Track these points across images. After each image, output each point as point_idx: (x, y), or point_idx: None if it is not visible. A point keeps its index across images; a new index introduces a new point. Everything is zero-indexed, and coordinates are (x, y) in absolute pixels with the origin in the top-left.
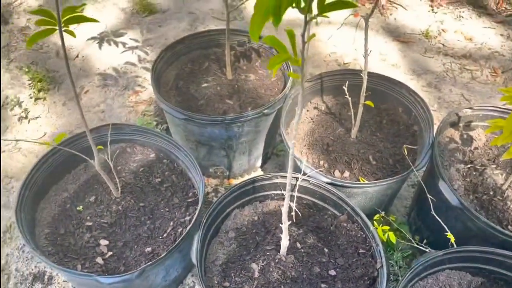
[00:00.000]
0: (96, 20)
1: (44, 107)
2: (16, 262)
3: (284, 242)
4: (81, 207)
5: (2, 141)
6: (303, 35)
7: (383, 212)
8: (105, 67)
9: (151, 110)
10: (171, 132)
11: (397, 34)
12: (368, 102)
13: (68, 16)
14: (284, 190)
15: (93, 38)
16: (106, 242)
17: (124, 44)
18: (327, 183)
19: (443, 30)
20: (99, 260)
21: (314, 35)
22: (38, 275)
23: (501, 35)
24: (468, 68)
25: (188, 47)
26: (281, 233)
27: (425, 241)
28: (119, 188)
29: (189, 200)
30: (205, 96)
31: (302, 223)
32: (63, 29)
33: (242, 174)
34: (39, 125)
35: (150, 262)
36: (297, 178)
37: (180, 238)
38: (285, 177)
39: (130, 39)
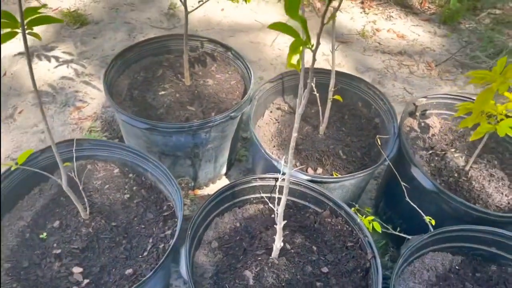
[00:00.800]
0: (61, 20)
1: None
2: None
3: (278, 244)
4: (44, 234)
5: None
6: (323, 17)
7: (357, 205)
8: (38, 84)
9: (98, 126)
10: None
11: (336, 35)
12: (337, 97)
13: (31, 17)
14: (264, 192)
15: (20, 53)
16: (80, 269)
17: (57, 58)
18: (308, 180)
19: (377, 30)
20: None
21: (334, 16)
22: None
23: (429, 31)
24: (405, 64)
25: (138, 54)
26: (268, 237)
27: (398, 229)
28: (88, 209)
29: (165, 214)
30: (164, 104)
31: (285, 224)
32: (27, 31)
33: (207, 183)
34: None
35: (136, 285)
36: (276, 179)
37: (166, 254)
38: (264, 179)
39: (63, 52)
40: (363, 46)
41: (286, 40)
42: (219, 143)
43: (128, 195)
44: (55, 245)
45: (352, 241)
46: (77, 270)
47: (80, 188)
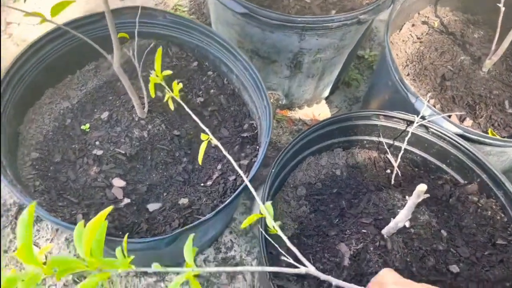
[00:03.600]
0: None
1: None
2: None
3: (400, 222)
4: (87, 125)
5: None
6: None
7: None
8: None
9: (185, 5)
10: None
11: None
12: None
13: None
14: (385, 137)
15: None
16: (122, 182)
17: None
18: (457, 134)
19: None
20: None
21: None
22: (25, 207)
23: None
24: None
25: None
26: (380, 201)
27: None
28: (146, 105)
29: (244, 135)
30: None
31: (403, 187)
32: None
33: (302, 105)
34: (38, 7)
35: (189, 226)
36: (409, 122)
37: (235, 193)
38: (390, 118)
39: None
40: None
41: None
42: (332, 54)
43: (202, 99)
44: (97, 143)
45: (505, 239)
46: (118, 183)
47: (139, 74)
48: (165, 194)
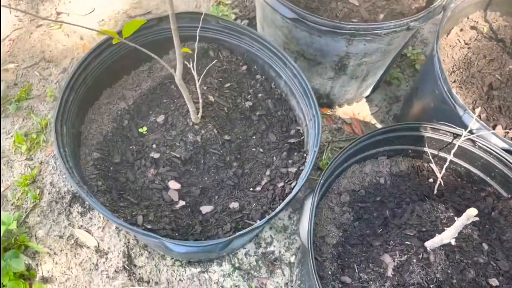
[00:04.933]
0: None
1: None
2: (52, 175)
3: (446, 238)
4: (144, 128)
5: (42, 11)
6: None
7: None
8: None
9: None
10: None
11: None
12: None
13: None
14: (430, 147)
15: None
16: (177, 185)
17: None
18: (503, 149)
19: None
20: (167, 211)
21: None
22: (78, 195)
23: None
24: None
25: None
26: (423, 212)
27: None
28: (201, 110)
29: (291, 140)
30: None
31: (445, 198)
32: None
33: (342, 104)
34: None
35: (241, 232)
36: (456, 135)
37: (284, 202)
38: (437, 130)
39: None
40: None
41: None
42: (378, 58)
43: (250, 103)
44: (154, 146)
45: None
46: (174, 185)
47: (197, 84)
48: (216, 197)
